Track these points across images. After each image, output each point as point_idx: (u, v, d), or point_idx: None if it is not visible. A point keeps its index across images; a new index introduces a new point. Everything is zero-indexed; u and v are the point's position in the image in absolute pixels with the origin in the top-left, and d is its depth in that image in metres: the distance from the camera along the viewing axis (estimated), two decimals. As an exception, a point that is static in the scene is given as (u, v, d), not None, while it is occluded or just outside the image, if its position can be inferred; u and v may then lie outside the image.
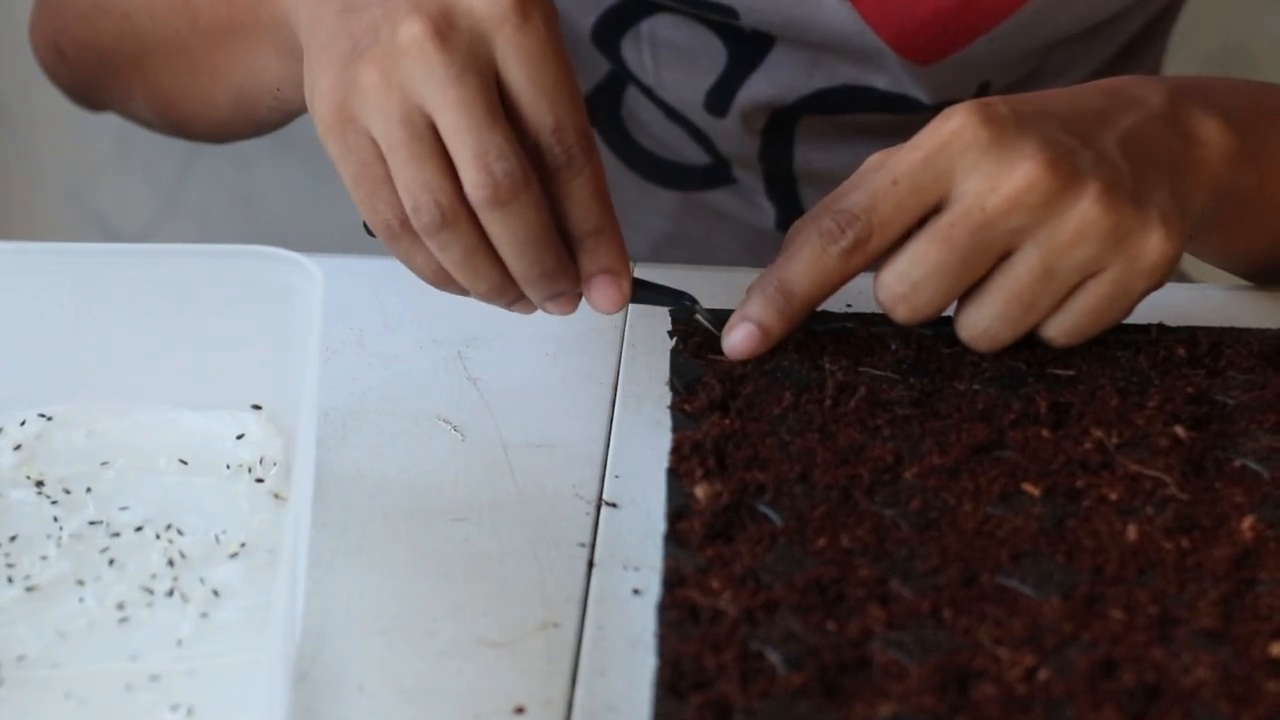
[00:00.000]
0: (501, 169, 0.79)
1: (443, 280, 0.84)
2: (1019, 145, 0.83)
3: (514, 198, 0.80)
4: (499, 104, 0.80)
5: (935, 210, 0.84)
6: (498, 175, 0.79)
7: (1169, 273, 0.86)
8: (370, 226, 0.83)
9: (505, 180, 0.79)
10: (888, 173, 0.84)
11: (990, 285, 0.85)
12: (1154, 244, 0.84)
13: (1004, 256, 0.84)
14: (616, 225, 0.84)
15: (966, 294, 0.85)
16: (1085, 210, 0.83)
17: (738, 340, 0.86)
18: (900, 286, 0.84)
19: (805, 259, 0.84)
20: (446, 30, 0.79)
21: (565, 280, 0.84)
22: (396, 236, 0.82)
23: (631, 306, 0.95)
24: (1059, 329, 0.86)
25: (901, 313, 0.85)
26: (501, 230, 0.81)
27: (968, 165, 0.83)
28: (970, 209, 0.83)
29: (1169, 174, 0.86)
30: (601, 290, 0.84)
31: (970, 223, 0.83)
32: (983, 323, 0.85)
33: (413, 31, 0.79)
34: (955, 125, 0.83)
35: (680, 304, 0.89)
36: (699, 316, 0.89)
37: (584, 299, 0.85)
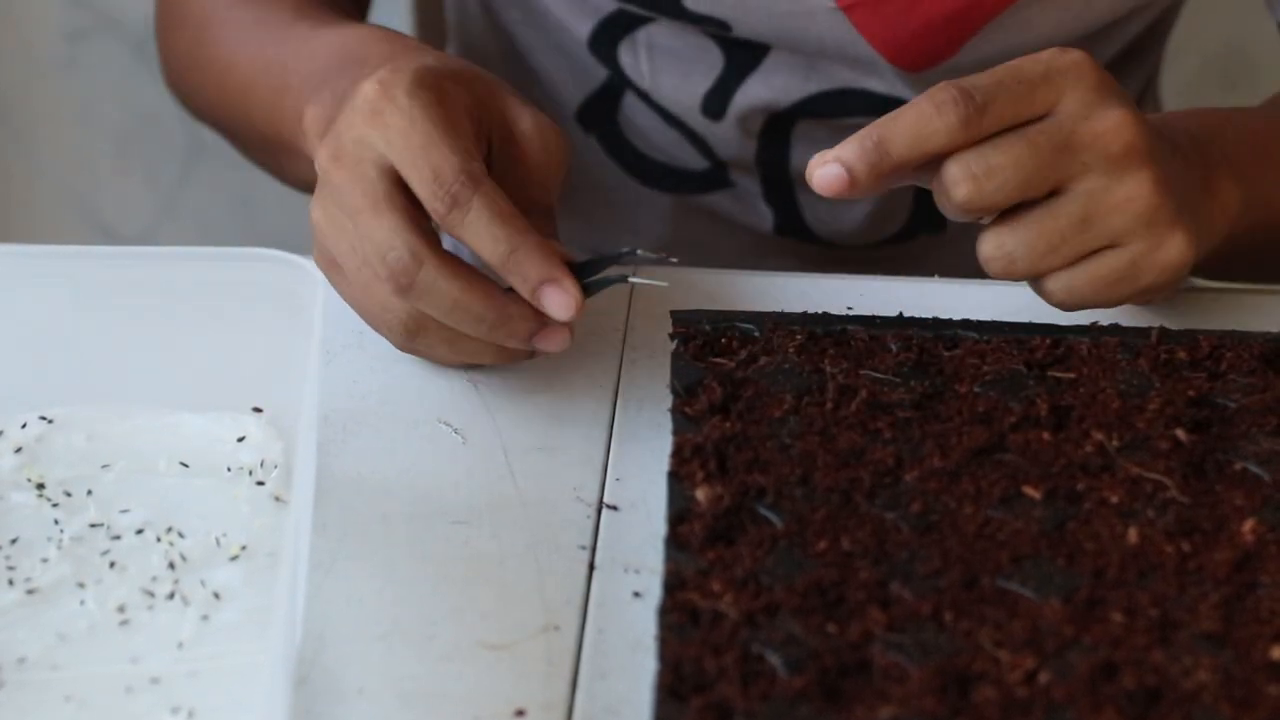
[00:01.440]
0: (393, 258, 0.84)
1: (461, 358, 0.90)
2: (1120, 98, 0.88)
3: (412, 280, 0.84)
4: (388, 195, 0.85)
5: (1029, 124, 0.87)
6: (392, 266, 0.84)
7: (1176, 279, 0.88)
8: (391, 341, 0.89)
9: (398, 266, 0.84)
10: (1012, 72, 0.87)
11: (1030, 215, 0.87)
12: (1176, 244, 0.88)
13: (1053, 193, 0.87)
14: (533, 237, 0.85)
15: (1002, 216, 0.87)
16: (1141, 183, 0.87)
17: (826, 176, 0.86)
18: (977, 166, 0.85)
19: (911, 119, 0.85)
20: (338, 152, 0.86)
21: (519, 320, 0.86)
22: (412, 335, 0.88)
23: (632, 311, 0.95)
24: (1063, 285, 0.88)
25: (962, 192, 0.86)
26: (429, 308, 0.86)
27: (1076, 93, 0.87)
28: (1063, 125, 0.86)
29: (1195, 212, 0.90)
30: (548, 301, 0.85)
31: (1059, 137, 0.86)
32: (1009, 244, 0.87)
33: (320, 163, 0.88)
34: (1076, 58, 0.87)
35: (621, 258, 0.89)
36: (639, 252, 0.89)
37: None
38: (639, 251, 0.89)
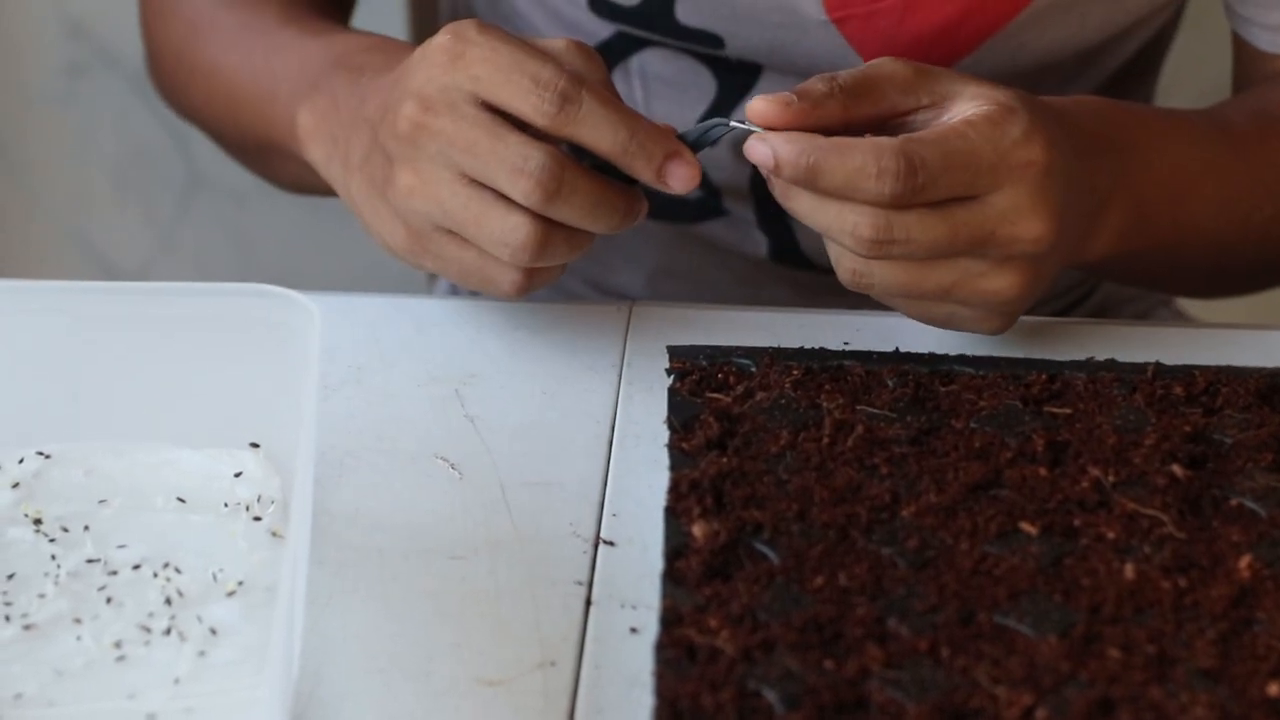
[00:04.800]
0: (534, 166, 0.86)
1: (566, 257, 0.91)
2: (1051, 201, 0.88)
3: (560, 183, 0.86)
4: (499, 121, 0.87)
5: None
6: (537, 174, 0.86)
7: (984, 331, 0.92)
8: (513, 291, 0.90)
9: (544, 174, 0.86)
10: (964, 158, 0.86)
11: (905, 264, 0.88)
12: (1001, 323, 0.91)
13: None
14: (644, 119, 0.88)
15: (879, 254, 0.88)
16: (1013, 286, 0.89)
17: (757, 151, 0.88)
18: (899, 231, 0.86)
19: (852, 169, 0.86)
20: (427, 103, 0.88)
21: (641, 201, 0.90)
22: (541, 248, 0.88)
23: (629, 346, 0.95)
24: (889, 302, 0.91)
25: (868, 246, 0.86)
26: (570, 211, 0.87)
27: (1014, 191, 0.87)
28: (988, 220, 0.87)
29: (1064, 257, 0.92)
30: (673, 176, 0.88)
31: (980, 232, 0.87)
32: (876, 276, 0.88)
33: (408, 117, 0.88)
34: (1034, 155, 0.87)
35: (719, 127, 0.91)
36: (734, 124, 0.90)
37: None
38: (731, 123, 0.90)
